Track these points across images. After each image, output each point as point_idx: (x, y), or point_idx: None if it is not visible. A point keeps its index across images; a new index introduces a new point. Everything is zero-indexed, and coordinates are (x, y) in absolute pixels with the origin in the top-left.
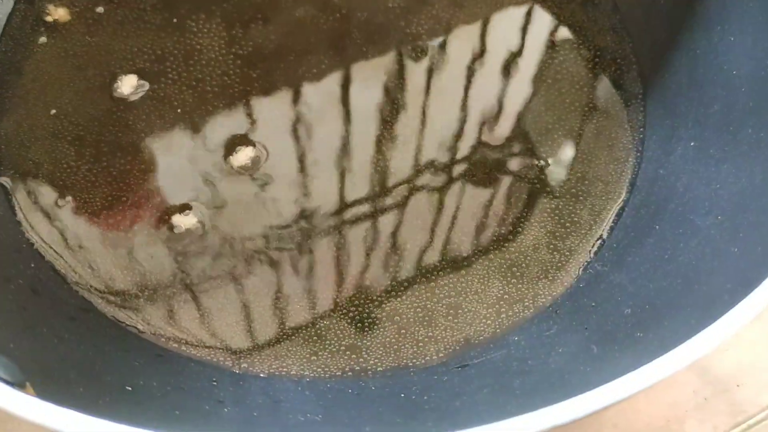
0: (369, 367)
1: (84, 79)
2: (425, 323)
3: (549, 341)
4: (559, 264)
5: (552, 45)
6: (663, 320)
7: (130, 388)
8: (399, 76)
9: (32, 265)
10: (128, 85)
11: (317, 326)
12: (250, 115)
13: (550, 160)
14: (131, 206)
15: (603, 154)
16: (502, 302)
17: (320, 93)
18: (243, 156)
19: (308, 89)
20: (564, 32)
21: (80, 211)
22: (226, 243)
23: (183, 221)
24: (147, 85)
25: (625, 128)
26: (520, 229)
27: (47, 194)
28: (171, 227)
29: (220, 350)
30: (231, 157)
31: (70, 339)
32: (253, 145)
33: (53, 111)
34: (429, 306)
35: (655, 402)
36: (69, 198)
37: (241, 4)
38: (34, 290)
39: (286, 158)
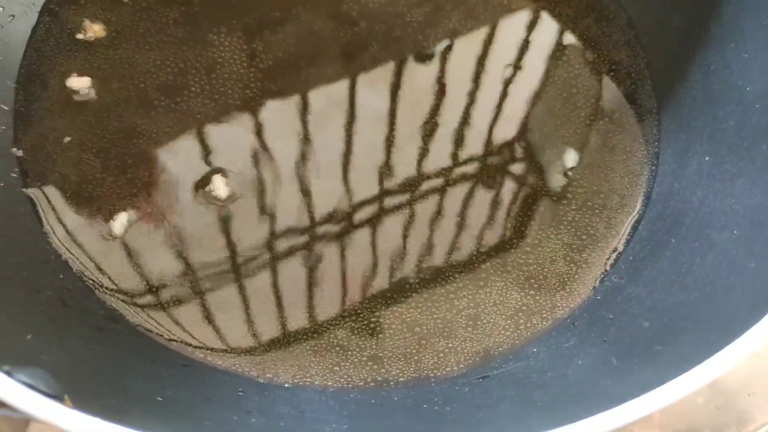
0: (390, 378)
1: (108, 92)
2: (445, 334)
3: (568, 353)
4: (576, 276)
5: (567, 59)
6: (681, 334)
7: (160, 399)
8: (414, 86)
9: (60, 276)
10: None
11: (339, 337)
12: (270, 127)
13: (565, 173)
14: (156, 217)
15: (618, 167)
16: (520, 314)
17: (338, 105)
18: (259, 166)
19: (325, 100)
20: (578, 46)
21: (107, 222)
22: (249, 253)
23: (206, 231)
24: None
25: (640, 142)
26: (537, 242)
27: (74, 206)
28: (194, 237)
29: (245, 360)
30: (248, 166)
31: (99, 350)
32: (271, 156)
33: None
34: (449, 317)
35: (665, 411)
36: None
37: (262, 18)
38: (63, 301)
39: (301, 166)
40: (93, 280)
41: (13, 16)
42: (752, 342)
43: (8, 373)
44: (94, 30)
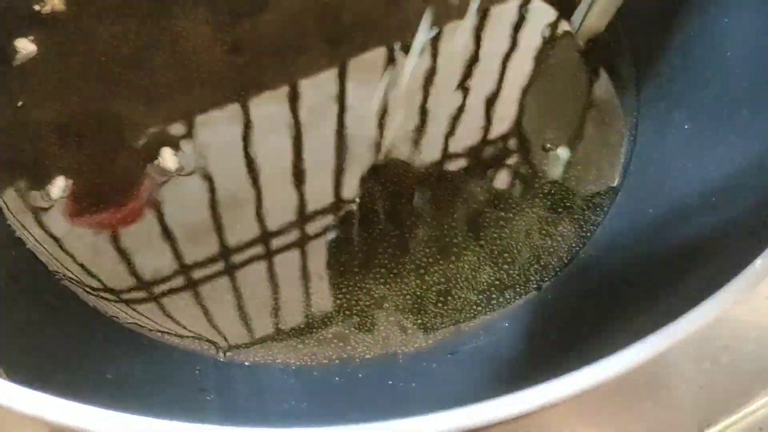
0: (356, 355)
1: (67, 68)
2: (414, 310)
3: (541, 328)
4: (551, 249)
5: (542, 30)
6: (658, 304)
7: (110, 376)
8: (395, 70)
9: (13, 254)
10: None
11: (304, 314)
12: (241, 104)
13: (543, 147)
14: (116, 194)
15: (596, 138)
16: (492, 288)
17: (313, 86)
18: (228, 151)
19: (300, 80)
20: (553, 15)
21: (63, 199)
22: (213, 233)
23: (169, 210)
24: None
25: (618, 112)
26: (511, 215)
27: (30, 182)
28: (158, 215)
29: (204, 339)
30: (215, 149)
31: (49, 327)
32: (244, 140)
33: (36, 99)
34: (418, 293)
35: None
36: (52, 185)
37: None
38: (13, 278)
39: (278, 153)
40: (46, 258)
41: None
42: (726, 299)
43: None
44: (54, 3)
